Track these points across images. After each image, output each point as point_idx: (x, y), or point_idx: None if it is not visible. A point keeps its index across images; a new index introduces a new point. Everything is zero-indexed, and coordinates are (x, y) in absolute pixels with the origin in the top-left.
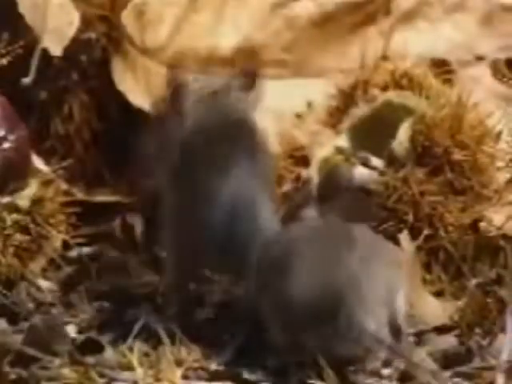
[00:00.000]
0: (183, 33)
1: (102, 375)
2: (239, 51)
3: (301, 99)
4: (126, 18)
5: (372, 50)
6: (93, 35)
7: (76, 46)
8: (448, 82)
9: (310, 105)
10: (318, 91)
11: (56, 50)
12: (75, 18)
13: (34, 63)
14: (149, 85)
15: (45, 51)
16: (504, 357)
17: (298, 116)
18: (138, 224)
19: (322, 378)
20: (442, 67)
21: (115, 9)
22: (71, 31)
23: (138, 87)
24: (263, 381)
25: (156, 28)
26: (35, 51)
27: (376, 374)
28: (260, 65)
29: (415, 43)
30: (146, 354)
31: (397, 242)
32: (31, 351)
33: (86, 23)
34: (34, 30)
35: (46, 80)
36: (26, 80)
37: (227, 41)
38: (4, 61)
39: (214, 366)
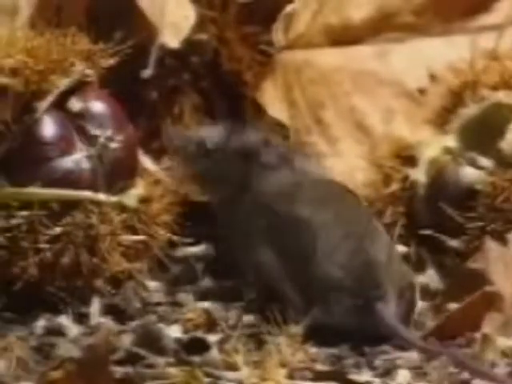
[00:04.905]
0: (316, 12)
1: (207, 375)
2: (370, 21)
3: (424, 71)
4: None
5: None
6: (204, 36)
7: (188, 46)
8: None
9: (433, 77)
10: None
11: (173, 43)
12: (191, 13)
13: (154, 56)
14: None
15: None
16: None
17: (421, 91)
18: None
19: None
20: None
21: (226, 10)
22: (188, 25)
23: (277, 99)
24: (370, 382)
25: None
26: (154, 45)
27: None
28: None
29: None
30: (251, 354)
31: (505, 242)
32: (139, 350)
33: (198, 24)
34: (154, 24)
35: (157, 80)
36: (147, 72)
37: (359, 12)
38: (113, 60)
39: (319, 367)
